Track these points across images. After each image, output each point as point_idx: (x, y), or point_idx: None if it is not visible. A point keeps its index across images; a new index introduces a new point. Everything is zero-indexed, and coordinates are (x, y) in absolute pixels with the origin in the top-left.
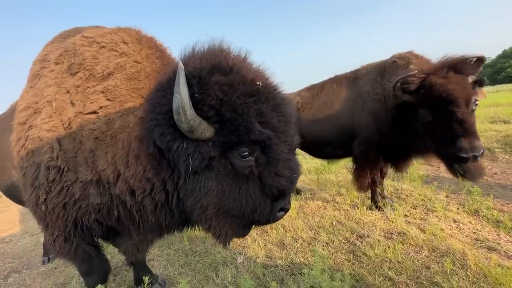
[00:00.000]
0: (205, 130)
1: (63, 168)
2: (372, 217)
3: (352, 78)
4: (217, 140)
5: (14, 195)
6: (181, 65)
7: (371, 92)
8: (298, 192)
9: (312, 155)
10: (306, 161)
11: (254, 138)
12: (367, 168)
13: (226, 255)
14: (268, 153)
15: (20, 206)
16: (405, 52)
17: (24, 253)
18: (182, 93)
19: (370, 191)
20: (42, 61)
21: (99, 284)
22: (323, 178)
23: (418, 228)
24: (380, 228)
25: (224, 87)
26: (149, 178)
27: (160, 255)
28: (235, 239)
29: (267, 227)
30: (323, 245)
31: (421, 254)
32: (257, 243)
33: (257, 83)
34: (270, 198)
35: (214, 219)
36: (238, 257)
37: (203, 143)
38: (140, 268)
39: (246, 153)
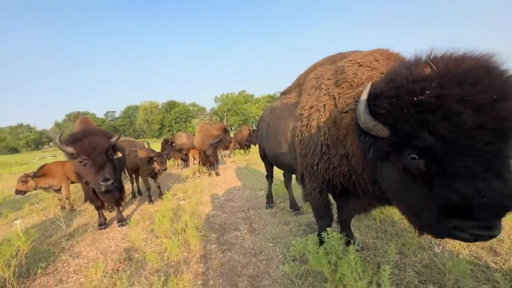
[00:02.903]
0: (380, 130)
1: (329, 145)
2: None
3: None
4: (390, 139)
5: (279, 161)
6: (367, 84)
7: None
8: None
9: None
10: None
11: (416, 144)
12: None
13: (421, 241)
14: (441, 162)
15: (235, 169)
16: None
17: (250, 199)
18: (360, 103)
19: None
20: (318, 78)
21: (328, 227)
22: None
23: None
24: None
25: (392, 99)
26: (361, 159)
27: (353, 226)
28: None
29: None
30: None
31: None
32: (456, 241)
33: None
34: (437, 208)
35: (395, 202)
36: (436, 247)
37: (381, 139)
38: (346, 228)
39: (413, 155)
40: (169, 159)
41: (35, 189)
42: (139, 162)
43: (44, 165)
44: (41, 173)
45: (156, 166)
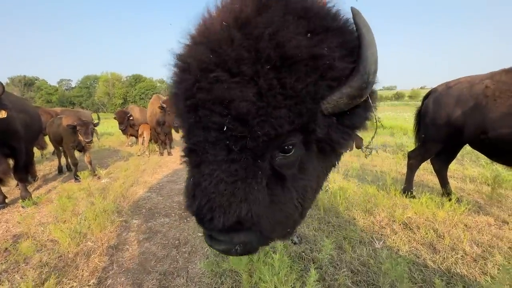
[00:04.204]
0: None
1: None
2: None
3: None
4: None
5: None
6: None
7: None
8: (458, 200)
9: (493, 159)
10: (475, 164)
11: None
12: None
13: (362, 236)
14: None
15: None
16: None
17: None
18: None
19: None
20: None
21: None
22: (499, 193)
23: None
24: None
25: None
26: None
27: None
28: None
29: (412, 223)
30: (498, 268)
31: None
32: (398, 236)
33: None
34: None
35: None
36: (376, 242)
37: None
38: None
39: None
40: (125, 134)
41: None
42: (62, 132)
43: None
44: None
45: (80, 138)
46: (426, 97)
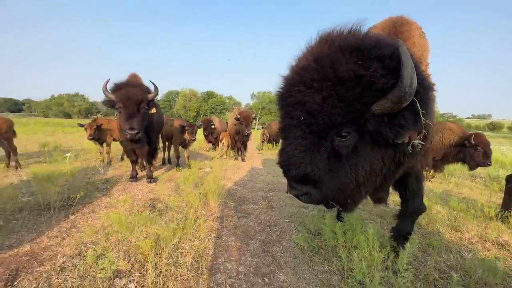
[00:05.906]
0: None
1: None
2: None
3: None
4: None
5: None
6: None
7: None
8: None
9: None
10: None
11: None
12: None
13: (449, 245)
14: None
15: (261, 159)
16: None
17: (272, 183)
18: None
19: None
20: None
21: None
22: None
23: None
24: None
25: None
26: None
27: (376, 223)
28: None
29: (510, 245)
30: None
31: None
32: (491, 253)
33: None
34: None
35: None
36: (465, 253)
37: None
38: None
39: None
40: (207, 139)
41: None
42: (173, 131)
43: (96, 118)
44: (96, 123)
45: (187, 135)
46: None
